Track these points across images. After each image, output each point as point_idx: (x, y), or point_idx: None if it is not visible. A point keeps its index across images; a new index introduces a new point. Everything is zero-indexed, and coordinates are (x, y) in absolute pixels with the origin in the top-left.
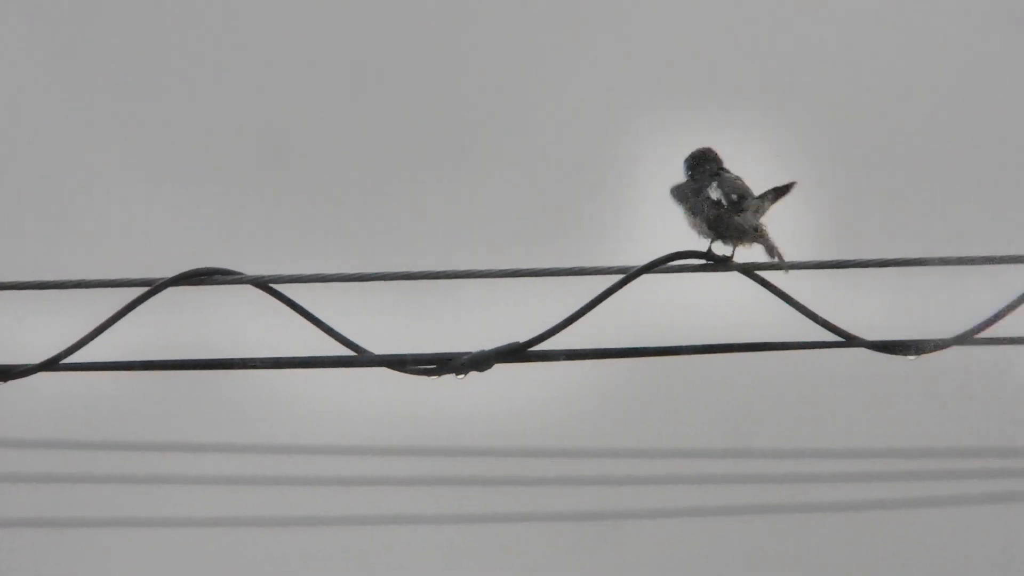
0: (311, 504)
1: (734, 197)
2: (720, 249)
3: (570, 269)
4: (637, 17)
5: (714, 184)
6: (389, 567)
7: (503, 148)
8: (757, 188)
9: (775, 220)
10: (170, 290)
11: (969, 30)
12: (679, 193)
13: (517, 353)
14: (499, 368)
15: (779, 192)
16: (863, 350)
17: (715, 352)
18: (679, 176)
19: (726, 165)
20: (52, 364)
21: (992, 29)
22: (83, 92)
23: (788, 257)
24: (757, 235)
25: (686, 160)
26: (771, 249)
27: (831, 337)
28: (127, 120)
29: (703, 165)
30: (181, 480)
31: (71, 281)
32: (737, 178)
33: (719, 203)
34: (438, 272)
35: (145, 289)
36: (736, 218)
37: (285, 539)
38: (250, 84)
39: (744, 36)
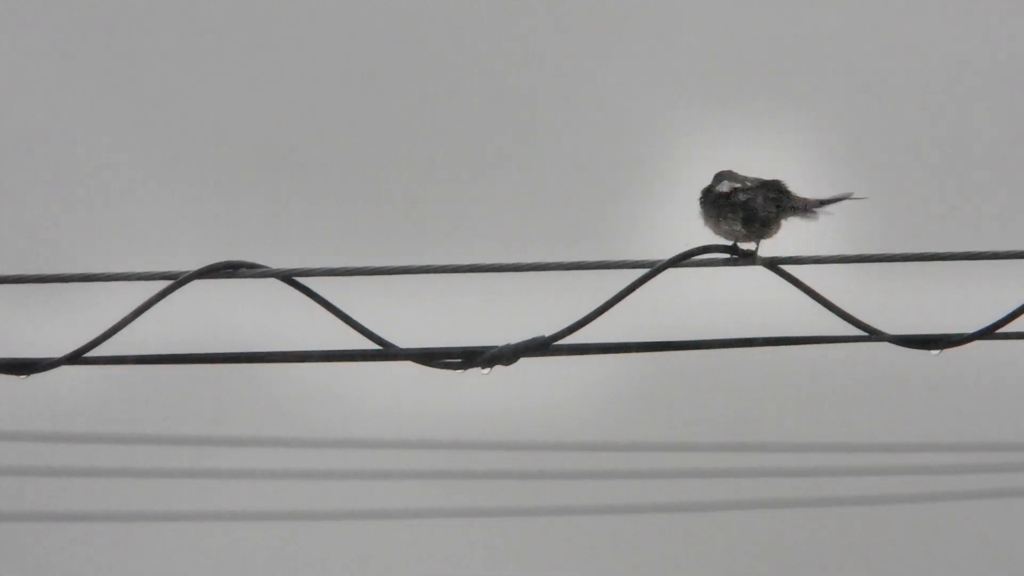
0: (334, 498)
1: (738, 187)
2: (745, 244)
3: (596, 263)
4: (670, 18)
5: (724, 182)
6: (412, 559)
7: (532, 145)
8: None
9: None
10: (195, 284)
11: (996, 25)
12: (704, 199)
13: (543, 347)
14: (525, 362)
15: (831, 200)
16: (887, 345)
17: (739, 346)
18: (706, 175)
19: (758, 173)
20: (76, 358)
21: (1012, 27)
22: (107, 93)
23: (813, 251)
24: (778, 219)
25: (713, 177)
26: (806, 210)
27: (854, 331)
28: (151, 118)
29: (728, 179)
30: (204, 474)
31: (96, 275)
32: (747, 177)
33: (730, 193)
34: (464, 266)
35: (169, 283)
36: (777, 211)
37: (310, 532)
38: (276, 82)
39: (777, 36)
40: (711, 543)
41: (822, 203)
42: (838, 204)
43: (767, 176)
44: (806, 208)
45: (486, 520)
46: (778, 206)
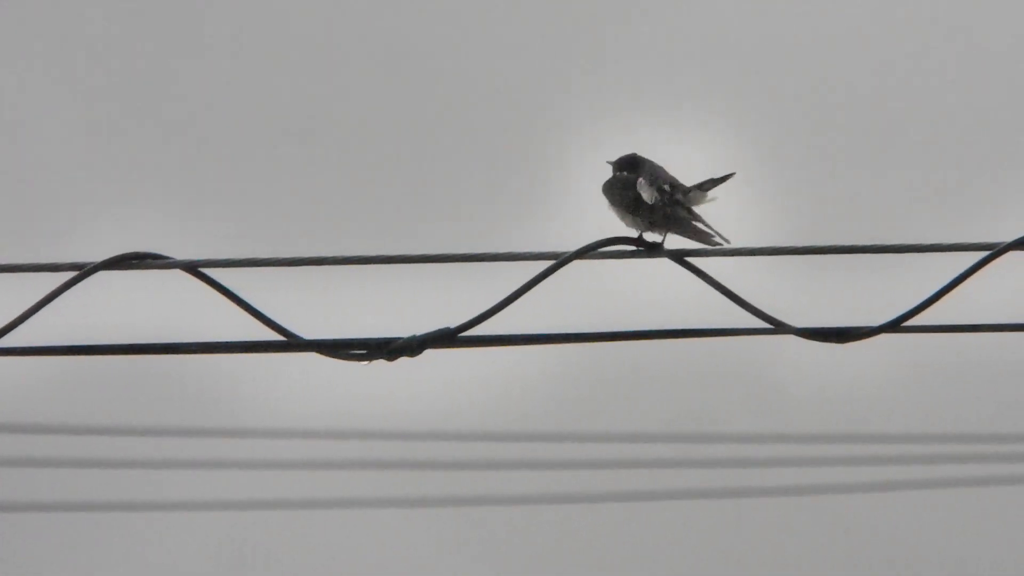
0: (240, 487)
1: (666, 187)
2: (651, 236)
3: (502, 255)
4: (577, 10)
5: (642, 180)
6: (319, 548)
7: (436, 134)
8: (695, 178)
9: (713, 206)
10: (101, 274)
11: (911, 20)
12: (609, 189)
13: (448, 338)
14: (432, 353)
15: (716, 182)
16: (799, 338)
17: (643, 338)
18: (609, 169)
19: (658, 162)
20: None
21: (915, 27)
22: (13, 80)
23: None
24: (688, 223)
25: (614, 163)
26: (702, 235)
27: (762, 324)
28: (58, 104)
29: (630, 166)
30: (109, 464)
31: (1, 265)
32: (661, 169)
33: (651, 196)
34: (370, 257)
35: (75, 273)
36: (668, 209)
37: (213, 521)
38: (181, 71)
39: (683, 27)
40: (607, 533)
41: (703, 187)
42: (724, 187)
43: (672, 167)
44: (701, 234)
45: (392, 509)
46: (671, 198)
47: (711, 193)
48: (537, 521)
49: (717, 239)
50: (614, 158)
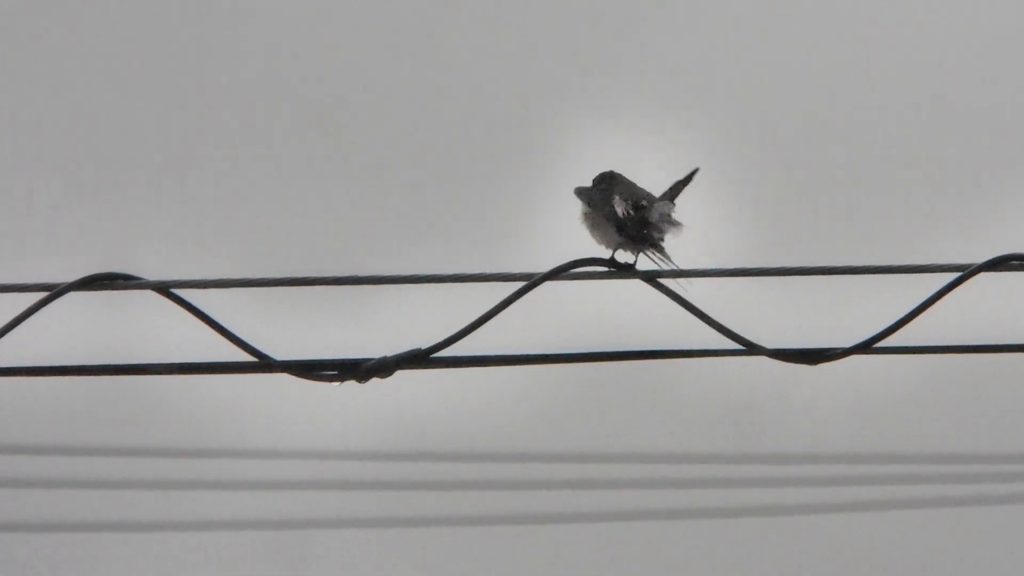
0: (210, 508)
1: (643, 203)
2: (623, 256)
3: (474, 275)
4: (549, 22)
5: (617, 197)
6: (290, 569)
7: (408, 152)
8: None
9: (688, 229)
10: (72, 295)
11: (876, 42)
12: (585, 195)
13: (420, 359)
14: (404, 373)
15: (683, 183)
16: (770, 359)
17: (616, 359)
18: (575, 199)
19: (637, 181)
20: None
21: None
22: None
23: (697, 263)
24: (660, 242)
25: (593, 180)
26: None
27: (733, 345)
28: (25, 122)
29: (606, 183)
30: (77, 484)
31: None
32: (635, 186)
33: (626, 213)
34: (343, 278)
35: (45, 294)
36: (643, 230)
37: (183, 542)
38: (157, 88)
39: (662, 51)
40: (578, 553)
41: (673, 193)
42: (691, 188)
43: (647, 186)
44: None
45: (363, 530)
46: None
47: (682, 220)
48: (509, 541)
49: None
50: (584, 183)
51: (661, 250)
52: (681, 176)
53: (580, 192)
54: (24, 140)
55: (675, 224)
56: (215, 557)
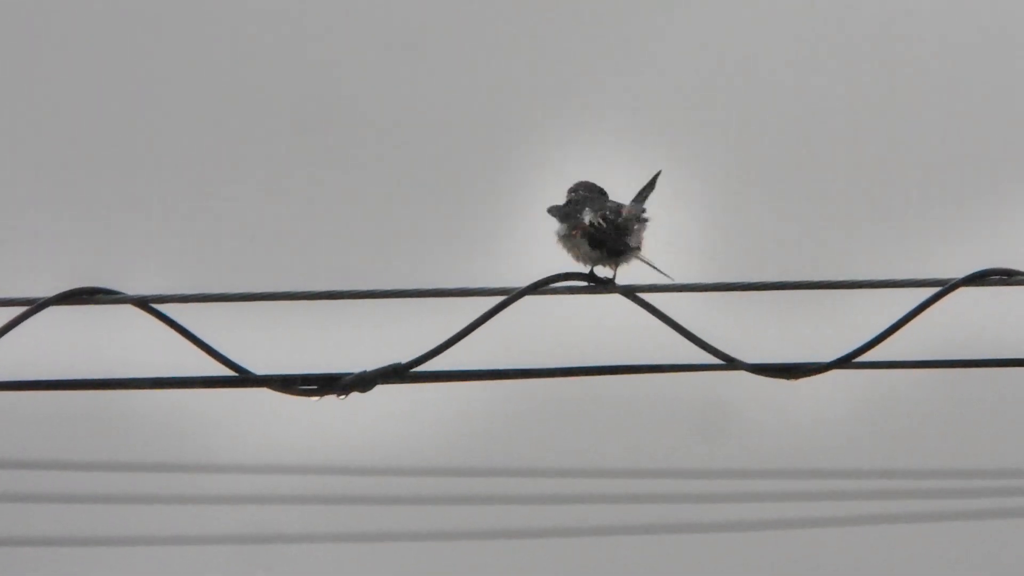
0: (191, 521)
1: (608, 214)
2: (602, 271)
3: (453, 290)
4: (527, 38)
5: (586, 209)
6: None
7: (388, 167)
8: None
9: (664, 240)
10: (52, 309)
11: (855, 55)
12: (558, 212)
13: (399, 374)
14: (383, 388)
15: (648, 188)
16: (748, 374)
17: (595, 374)
18: (550, 218)
19: (612, 195)
20: None
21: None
22: None
23: (677, 278)
24: (635, 251)
25: (568, 191)
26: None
27: (713, 360)
28: (2, 137)
29: (583, 193)
30: (57, 499)
31: None
32: (606, 198)
33: (595, 224)
34: (322, 292)
35: (26, 308)
36: (616, 240)
37: (165, 555)
38: (136, 100)
39: (639, 67)
40: (558, 568)
41: (640, 197)
42: (655, 195)
43: (625, 201)
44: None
45: (342, 544)
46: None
47: (648, 215)
48: (488, 554)
49: (661, 272)
50: (559, 198)
51: (639, 256)
52: (645, 181)
53: (553, 211)
54: (1, 155)
55: (643, 220)
56: (195, 570)
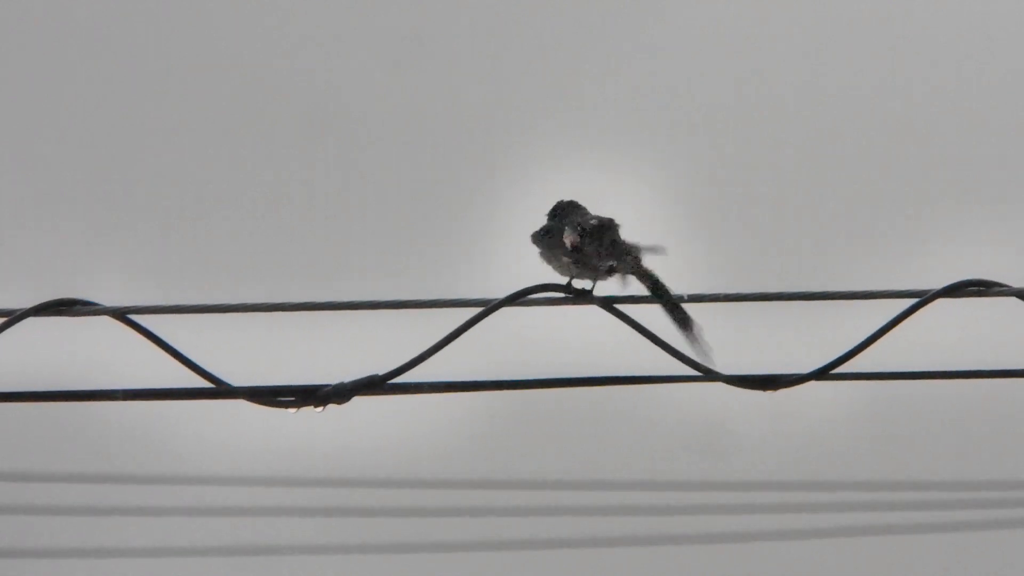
0: (167, 534)
1: (586, 228)
2: (580, 283)
3: (431, 301)
4: (505, 47)
5: (567, 229)
6: None
7: (363, 178)
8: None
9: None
10: (29, 320)
11: (836, 65)
12: (539, 238)
13: (376, 385)
14: (360, 400)
15: (642, 251)
16: (727, 385)
17: (573, 385)
18: (542, 210)
19: (595, 209)
20: None
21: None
22: None
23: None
24: (614, 270)
25: (550, 211)
26: (642, 276)
27: (689, 371)
28: None
29: (560, 212)
30: (33, 510)
31: None
32: (587, 212)
33: (574, 239)
34: (299, 304)
35: (3, 320)
36: (592, 259)
37: (141, 569)
38: (114, 110)
39: (622, 78)
40: None
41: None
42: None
43: (605, 213)
44: (627, 258)
45: (319, 556)
46: (610, 250)
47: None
48: (468, 568)
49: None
50: (543, 209)
51: (621, 271)
52: (648, 246)
53: (536, 239)
54: None
55: (612, 227)
56: None
